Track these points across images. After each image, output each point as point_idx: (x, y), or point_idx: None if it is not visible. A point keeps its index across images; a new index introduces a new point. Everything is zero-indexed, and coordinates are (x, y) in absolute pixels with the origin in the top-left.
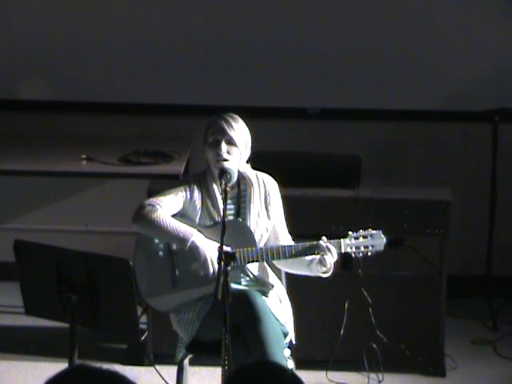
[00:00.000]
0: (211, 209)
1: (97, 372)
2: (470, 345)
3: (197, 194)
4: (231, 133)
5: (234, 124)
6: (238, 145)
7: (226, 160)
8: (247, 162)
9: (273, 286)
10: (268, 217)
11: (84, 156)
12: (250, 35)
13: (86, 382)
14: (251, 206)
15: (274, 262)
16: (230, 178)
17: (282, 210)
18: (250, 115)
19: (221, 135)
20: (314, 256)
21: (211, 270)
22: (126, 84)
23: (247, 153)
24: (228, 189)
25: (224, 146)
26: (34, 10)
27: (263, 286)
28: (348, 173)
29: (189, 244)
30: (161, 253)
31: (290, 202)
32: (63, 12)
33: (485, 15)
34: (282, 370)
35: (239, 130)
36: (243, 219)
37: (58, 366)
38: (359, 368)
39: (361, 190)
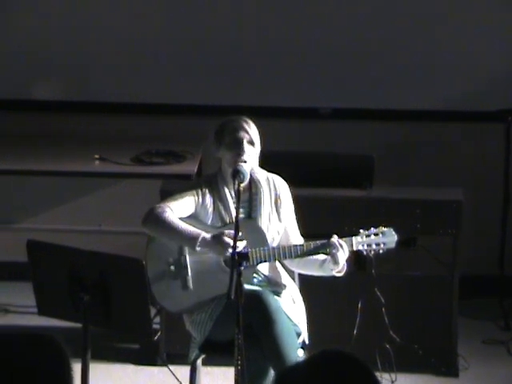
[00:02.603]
0: (223, 212)
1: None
2: (482, 345)
3: (208, 198)
4: (251, 134)
5: (251, 125)
6: (255, 146)
7: (245, 161)
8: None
9: (285, 286)
10: (279, 219)
11: (97, 156)
12: (262, 35)
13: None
14: (262, 208)
15: (287, 263)
16: (243, 177)
17: (293, 213)
18: (262, 115)
19: (243, 135)
20: (326, 256)
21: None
22: (138, 84)
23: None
24: (241, 189)
25: (247, 147)
26: (45, 10)
27: (276, 286)
28: (360, 173)
29: (198, 244)
30: (173, 253)
31: (302, 202)
32: (75, 12)
33: (498, 14)
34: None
35: (255, 131)
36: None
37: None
38: (372, 368)
39: (373, 190)
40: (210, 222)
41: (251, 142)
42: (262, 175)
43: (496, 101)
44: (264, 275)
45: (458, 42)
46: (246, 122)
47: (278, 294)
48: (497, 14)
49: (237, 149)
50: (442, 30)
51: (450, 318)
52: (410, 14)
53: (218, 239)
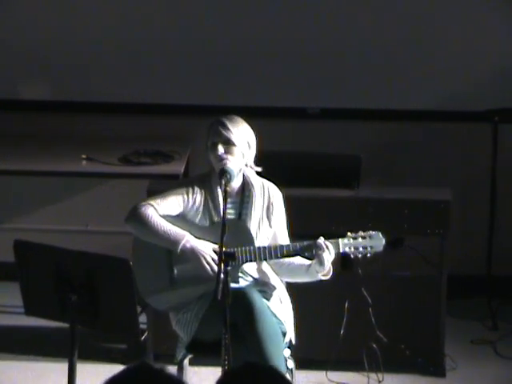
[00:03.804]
0: (212, 211)
1: (157, 373)
2: (469, 345)
3: (199, 197)
4: (227, 134)
5: (229, 125)
6: (236, 144)
7: (226, 159)
8: (258, 165)
9: (275, 288)
10: (269, 225)
11: (84, 156)
12: (250, 35)
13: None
14: (253, 212)
15: (275, 270)
16: (231, 177)
17: (285, 221)
18: (249, 115)
19: (217, 138)
20: (311, 261)
21: (209, 270)
22: (126, 84)
23: (251, 153)
24: (228, 189)
25: (221, 148)
26: (35, 10)
27: (264, 287)
28: (348, 173)
29: (180, 247)
30: (159, 251)
31: (289, 201)
32: (64, 12)
33: (485, 15)
34: (272, 372)
35: (236, 130)
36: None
37: (58, 366)
38: (359, 368)
39: (361, 190)
40: (197, 220)
41: (230, 142)
42: (257, 181)
43: (483, 101)
44: (252, 276)
45: (445, 43)
46: (224, 124)
47: (265, 293)
48: (485, 15)
49: (214, 151)
50: (429, 31)
51: (438, 318)
52: (398, 15)
53: (198, 254)
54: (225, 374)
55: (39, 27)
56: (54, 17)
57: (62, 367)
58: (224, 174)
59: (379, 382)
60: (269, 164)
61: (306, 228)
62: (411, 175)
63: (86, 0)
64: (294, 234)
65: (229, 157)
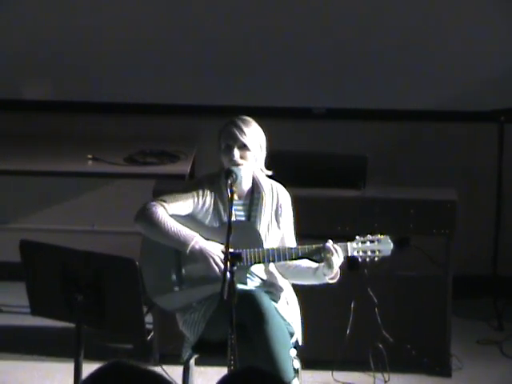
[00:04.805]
0: (222, 212)
1: (134, 370)
2: (475, 345)
3: (209, 198)
4: (243, 138)
5: (245, 129)
6: (250, 148)
7: (239, 165)
8: (269, 169)
9: (282, 289)
10: (278, 227)
11: (90, 156)
12: (254, 35)
13: (124, 379)
14: (262, 214)
15: (281, 272)
16: (236, 177)
17: (292, 224)
18: (255, 115)
19: (232, 141)
20: (319, 264)
21: (217, 270)
22: (131, 84)
23: (262, 154)
24: (234, 189)
25: (236, 152)
26: (35, 10)
27: (271, 287)
28: (354, 173)
29: (189, 248)
30: (168, 251)
31: (295, 202)
32: (64, 13)
33: (491, 15)
34: (271, 378)
35: (251, 134)
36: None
37: (64, 366)
38: (365, 368)
39: (367, 190)
40: (207, 221)
41: (244, 147)
42: (266, 183)
43: (489, 101)
44: (259, 277)
45: (450, 42)
46: (239, 127)
47: (272, 294)
48: (490, 15)
49: (229, 154)
50: (434, 30)
51: (444, 318)
52: (402, 15)
53: (207, 255)
54: (225, 378)
55: (39, 27)
56: (54, 17)
57: (67, 367)
58: (230, 174)
59: (385, 381)
60: (275, 164)
61: (311, 228)
62: (417, 175)
63: (86, 0)
64: (299, 234)
65: (243, 161)
